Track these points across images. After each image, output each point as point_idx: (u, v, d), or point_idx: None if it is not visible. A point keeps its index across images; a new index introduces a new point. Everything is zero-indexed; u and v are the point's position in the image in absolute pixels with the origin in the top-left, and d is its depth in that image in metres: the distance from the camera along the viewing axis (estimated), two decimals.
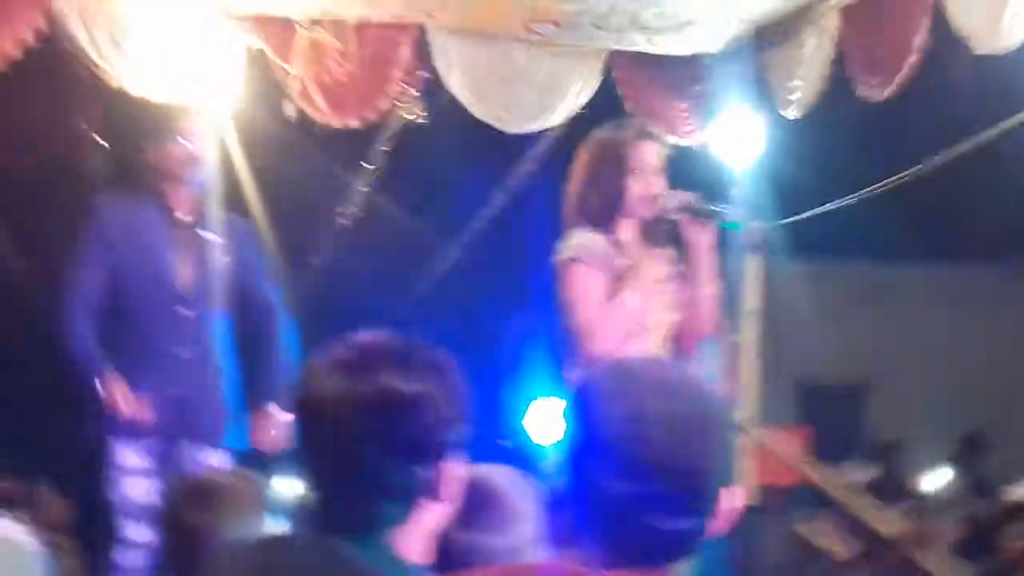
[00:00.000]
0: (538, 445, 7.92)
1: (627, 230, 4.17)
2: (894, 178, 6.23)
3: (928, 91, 5.36)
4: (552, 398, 7.88)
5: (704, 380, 1.75)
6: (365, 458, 1.82)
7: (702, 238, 4.01)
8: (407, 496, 1.85)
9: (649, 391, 1.64)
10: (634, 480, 1.58)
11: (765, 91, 6.01)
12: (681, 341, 4.07)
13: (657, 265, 4.11)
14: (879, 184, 6.19)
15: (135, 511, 4.56)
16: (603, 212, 4.09)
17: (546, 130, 6.31)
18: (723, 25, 5.91)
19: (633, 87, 6.16)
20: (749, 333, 6.45)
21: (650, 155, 4.14)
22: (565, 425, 1.71)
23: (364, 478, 1.83)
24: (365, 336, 1.91)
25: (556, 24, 5.83)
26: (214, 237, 4.92)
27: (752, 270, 6.37)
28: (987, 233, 8.87)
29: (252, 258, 5.11)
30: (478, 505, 2.16)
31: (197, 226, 4.92)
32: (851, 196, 6.29)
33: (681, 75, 6.19)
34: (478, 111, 5.95)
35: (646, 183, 4.06)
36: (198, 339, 4.81)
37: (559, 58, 6.07)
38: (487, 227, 7.61)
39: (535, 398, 8.32)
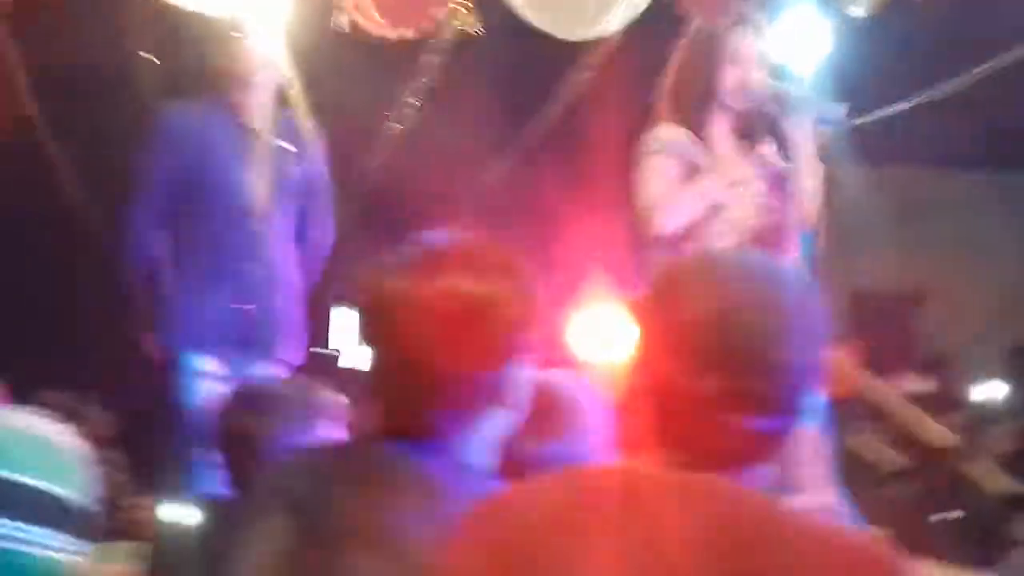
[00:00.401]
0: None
1: (721, 125, 3.93)
2: (956, 80, 6.08)
3: None
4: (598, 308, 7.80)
5: (794, 269, 1.66)
6: (430, 361, 1.76)
7: (798, 131, 3.78)
8: (472, 401, 1.79)
9: (737, 278, 1.54)
10: (718, 375, 1.49)
11: None
12: (768, 242, 3.82)
13: (744, 164, 3.89)
14: (941, 87, 6.05)
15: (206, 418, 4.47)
16: (695, 105, 3.88)
17: (603, 38, 6.17)
18: None
19: None
20: None
21: (746, 43, 3.91)
22: (642, 324, 1.62)
23: (428, 382, 1.77)
24: (433, 236, 1.85)
25: None
26: (286, 145, 4.78)
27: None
28: None
29: (320, 169, 4.93)
30: (544, 412, 2.10)
31: (268, 134, 4.76)
32: (912, 99, 6.15)
33: None
34: (537, 18, 5.82)
35: (741, 73, 3.82)
36: (268, 254, 4.68)
37: None
38: (542, 140, 7.51)
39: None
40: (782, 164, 3.92)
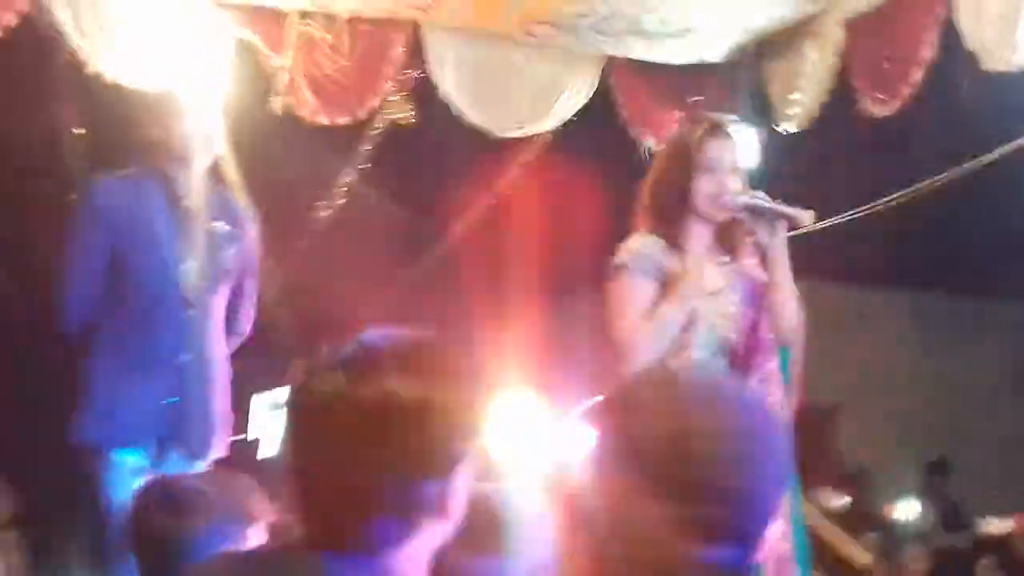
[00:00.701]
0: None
1: (700, 235, 3.75)
2: (882, 200, 6.13)
3: (934, 108, 5.25)
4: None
5: (756, 393, 1.58)
6: (362, 469, 1.65)
7: (772, 240, 3.63)
8: (408, 513, 1.67)
9: (695, 400, 1.46)
10: (674, 501, 1.40)
11: (765, 103, 5.90)
12: (742, 357, 3.69)
13: (721, 275, 3.72)
14: (867, 206, 6.10)
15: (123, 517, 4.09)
16: (671, 213, 3.72)
17: (537, 135, 6.18)
18: (724, 35, 5.80)
19: (630, 94, 6.04)
20: None
21: (723, 152, 3.74)
22: (595, 438, 1.53)
23: (361, 491, 1.65)
24: (371, 335, 1.74)
25: (554, 26, 5.70)
26: (223, 227, 4.46)
27: None
28: (968, 262, 8.78)
29: (253, 251, 4.63)
30: (481, 525, 1.98)
31: (204, 215, 4.42)
32: (839, 216, 6.19)
33: (679, 84, 6.08)
34: (470, 113, 5.81)
35: (716, 182, 3.67)
36: (201, 344, 4.36)
37: (556, 61, 5.94)
38: (471, 231, 7.48)
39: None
40: (762, 277, 3.74)
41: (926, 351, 11.49)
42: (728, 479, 1.41)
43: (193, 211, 4.38)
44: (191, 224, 4.37)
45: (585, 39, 5.81)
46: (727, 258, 3.76)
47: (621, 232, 7.75)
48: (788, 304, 3.67)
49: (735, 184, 3.67)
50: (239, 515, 2.57)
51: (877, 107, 5.23)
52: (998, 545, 7.94)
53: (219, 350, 4.46)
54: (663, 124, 6.10)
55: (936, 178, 5.66)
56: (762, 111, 5.92)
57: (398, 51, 5.67)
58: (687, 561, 1.42)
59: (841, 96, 5.47)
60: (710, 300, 3.65)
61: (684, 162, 3.72)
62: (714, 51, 5.95)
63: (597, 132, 6.32)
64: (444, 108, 5.83)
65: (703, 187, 3.67)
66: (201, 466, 4.36)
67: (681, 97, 6.08)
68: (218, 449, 4.44)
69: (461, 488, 1.72)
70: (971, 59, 4.77)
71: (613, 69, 6.01)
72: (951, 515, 9.29)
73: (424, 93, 5.86)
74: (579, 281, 8.95)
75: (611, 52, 5.93)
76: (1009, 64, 4.60)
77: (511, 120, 5.94)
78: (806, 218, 3.59)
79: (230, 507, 2.60)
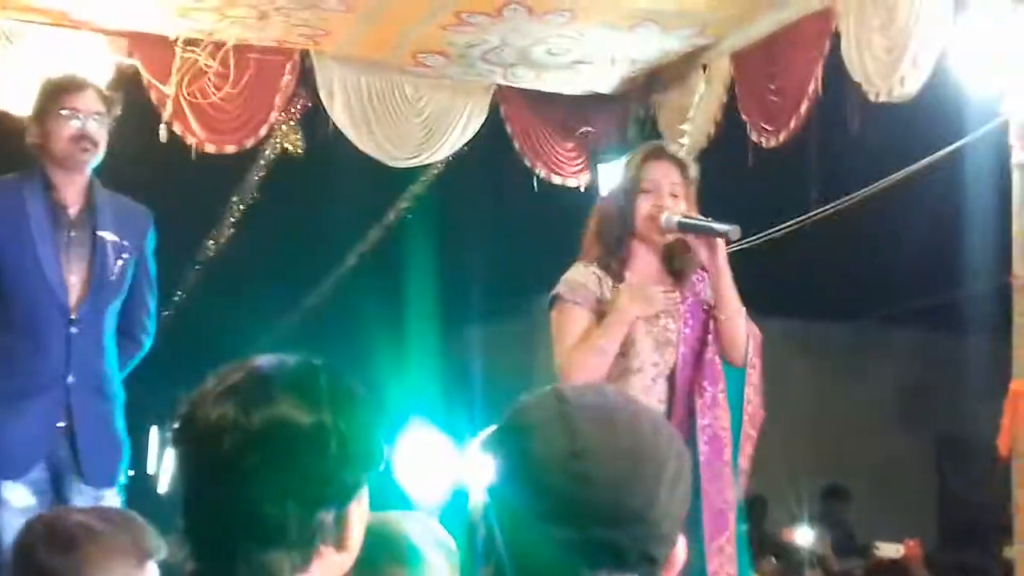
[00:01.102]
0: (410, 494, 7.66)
1: (645, 260, 3.65)
2: (771, 230, 6.20)
3: (821, 138, 5.32)
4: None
5: (653, 411, 1.53)
6: (255, 498, 1.59)
7: (711, 258, 3.54)
8: (304, 543, 1.62)
9: (589, 421, 1.42)
10: (570, 526, 1.37)
11: (655, 134, 5.93)
12: (684, 382, 3.62)
13: (655, 300, 3.59)
14: (756, 236, 6.16)
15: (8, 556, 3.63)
16: (614, 238, 3.64)
17: (430, 165, 6.16)
18: (614, 66, 5.83)
19: (521, 123, 6.06)
20: None
21: (662, 174, 3.65)
22: (490, 463, 1.49)
23: (253, 521, 1.59)
24: (261, 359, 1.68)
25: (445, 56, 5.69)
26: (110, 236, 4.02)
27: None
28: (855, 288, 8.93)
29: (147, 260, 4.18)
30: (384, 556, 1.93)
31: (90, 223, 4.00)
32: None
33: (570, 114, 6.11)
34: (361, 142, 5.78)
35: (654, 203, 3.60)
36: (86, 361, 3.99)
37: (447, 91, 5.93)
38: (363, 262, 7.43)
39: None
40: (707, 297, 3.65)
41: (815, 377, 11.66)
42: (625, 500, 1.37)
43: (77, 219, 4.01)
44: (75, 233, 4.00)
45: (476, 69, 5.81)
46: (673, 282, 3.68)
47: (516, 260, 7.74)
48: (733, 325, 3.61)
49: (675, 206, 3.60)
50: (129, 551, 2.47)
51: (764, 138, 5.29)
52: (890, 570, 8.03)
53: (110, 370, 4.10)
54: (554, 154, 6.12)
55: (823, 208, 5.74)
56: (652, 141, 5.96)
57: (287, 79, 5.62)
58: None
59: (729, 127, 5.52)
60: (648, 325, 3.58)
61: (626, 185, 3.67)
62: (604, 82, 5.98)
63: (490, 161, 6.31)
64: (335, 137, 5.79)
65: (642, 208, 3.61)
66: (106, 495, 4.06)
67: (572, 127, 6.11)
68: (112, 478, 4.02)
69: (358, 518, 1.67)
70: (856, 91, 4.84)
71: (504, 99, 6.01)
72: (846, 540, 9.40)
73: (314, 123, 5.81)
74: (476, 310, 8.96)
75: (501, 82, 5.94)
76: (895, 95, 4.67)
77: (404, 150, 5.91)
78: (733, 232, 3.48)
79: (119, 543, 2.51)
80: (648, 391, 3.53)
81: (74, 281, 3.97)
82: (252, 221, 6.75)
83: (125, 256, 4.05)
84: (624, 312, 3.54)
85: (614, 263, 3.64)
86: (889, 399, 11.29)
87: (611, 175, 6.09)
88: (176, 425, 1.65)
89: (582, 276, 3.65)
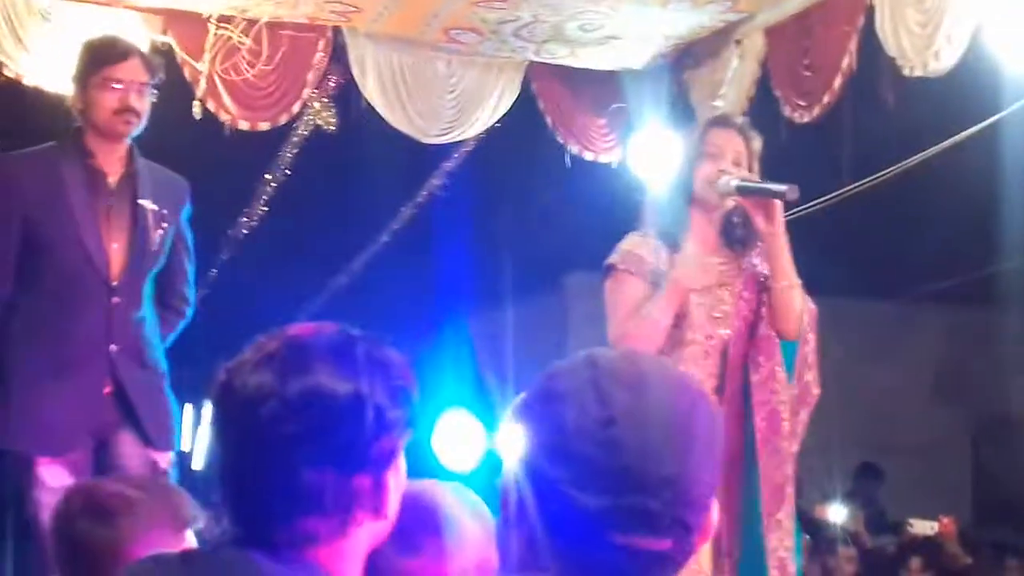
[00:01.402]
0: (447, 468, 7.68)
1: (702, 229, 3.51)
2: (805, 206, 6.16)
3: (855, 114, 5.29)
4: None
5: (686, 376, 1.52)
6: (293, 466, 1.61)
7: (767, 225, 3.40)
8: (341, 510, 1.63)
9: (622, 387, 1.41)
10: (601, 493, 1.36)
11: (687, 110, 5.91)
12: (736, 355, 3.49)
13: (712, 270, 3.48)
14: (790, 212, 6.11)
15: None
16: (672, 205, 3.54)
17: (462, 141, 6.17)
18: (646, 42, 5.81)
19: (553, 100, 6.05)
20: None
21: (726, 141, 3.52)
22: (521, 430, 1.49)
23: (291, 488, 1.61)
24: (298, 327, 1.70)
25: (478, 33, 5.69)
26: (150, 205, 3.94)
27: None
28: (893, 266, 8.87)
29: (185, 230, 4.12)
30: (416, 523, 1.94)
31: (130, 192, 3.92)
32: None
33: (602, 90, 6.10)
34: (393, 119, 5.78)
35: (715, 168, 3.46)
36: (129, 331, 3.89)
37: (479, 68, 5.93)
38: (397, 239, 7.44)
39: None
40: (764, 271, 3.53)
41: (848, 355, 11.61)
42: (657, 467, 1.37)
43: (116, 187, 3.93)
44: (114, 201, 3.92)
45: (508, 45, 5.80)
46: (731, 253, 3.57)
47: (548, 237, 7.72)
48: (789, 295, 3.47)
49: (736, 170, 3.47)
50: (166, 520, 2.49)
51: (798, 113, 5.26)
52: (924, 546, 8.02)
53: (153, 340, 4.00)
54: (587, 130, 6.11)
55: (857, 184, 5.70)
56: (684, 118, 5.94)
57: (319, 56, 5.63)
58: (621, 555, 1.38)
59: (762, 103, 5.49)
60: (702, 297, 3.47)
61: (688, 152, 3.58)
62: (636, 58, 5.96)
63: (522, 138, 6.31)
64: (368, 114, 5.80)
65: (701, 172, 3.50)
66: (161, 459, 3.93)
67: (604, 103, 6.09)
68: (163, 444, 3.92)
69: (395, 485, 1.68)
70: (891, 66, 4.81)
71: (536, 75, 6.01)
72: (878, 518, 9.39)
73: (347, 100, 5.82)
74: (509, 287, 8.96)
75: (534, 58, 5.93)
76: (930, 70, 4.64)
77: (435, 126, 5.92)
78: (791, 192, 3.37)
79: (156, 512, 2.53)
80: (700, 364, 3.44)
81: (115, 249, 3.89)
82: (285, 198, 6.76)
83: (165, 225, 3.97)
84: (678, 283, 3.42)
85: (671, 232, 3.52)
86: (925, 376, 11.22)
87: (647, 149, 6.10)
88: (214, 393, 1.68)
89: (637, 246, 3.54)
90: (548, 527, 1.41)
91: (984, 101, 4.95)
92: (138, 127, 3.91)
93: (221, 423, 1.67)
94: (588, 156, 6.16)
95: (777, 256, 3.46)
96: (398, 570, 1.85)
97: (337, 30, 5.67)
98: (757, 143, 3.59)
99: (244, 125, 5.57)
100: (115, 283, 3.86)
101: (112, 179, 3.92)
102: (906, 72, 4.73)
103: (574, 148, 6.10)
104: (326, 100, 5.80)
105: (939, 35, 4.56)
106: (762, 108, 5.53)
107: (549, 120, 6.09)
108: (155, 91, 3.92)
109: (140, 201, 3.91)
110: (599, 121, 6.17)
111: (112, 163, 3.92)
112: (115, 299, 3.86)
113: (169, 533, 2.42)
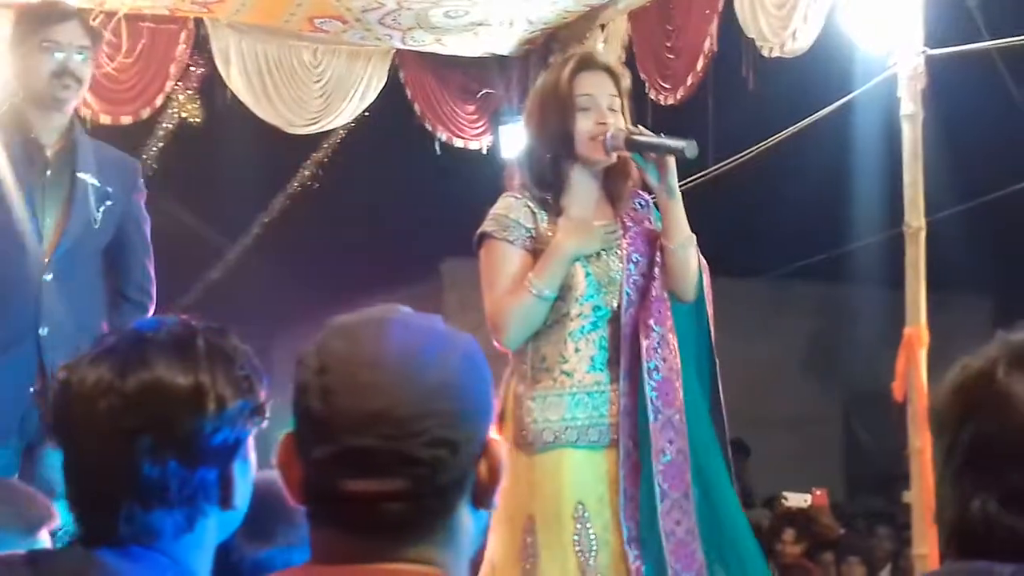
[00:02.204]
0: None
1: (585, 189, 3.18)
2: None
3: (718, 95, 5.38)
4: None
5: (419, 317, 1.48)
6: (134, 460, 1.59)
7: (663, 181, 3.10)
8: (186, 503, 1.62)
9: (339, 337, 1.40)
10: (323, 442, 1.35)
11: None
12: (630, 321, 3.16)
13: (593, 235, 3.17)
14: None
15: None
16: (550, 166, 3.15)
17: (331, 131, 6.13)
18: (512, 28, 5.83)
19: (421, 87, 6.04)
20: None
21: (600, 86, 3.18)
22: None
23: (134, 483, 1.60)
24: (142, 321, 1.68)
25: (342, 21, 5.66)
26: (91, 179, 3.67)
27: None
28: (760, 244, 9.04)
29: (139, 215, 3.80)
30: (270, 514, 1.93)
31: (69, 165, 3.66)
32: None
33: (470, 76, 6.11)
34: (259, 110, 5.73)
35: (594, 120, 3.12)
36: (62, 312, 3.61)
37: (345, 56, 5.90)
38: (267, 229, 7.38)
39: None
40: (653, 225, 3.23)
41: (721, 334, 11.80)
42: (368, 405, 1.35)
43: (54, 160, 3.68)
44: (51, 174, 3.66)
45: (373, 33, 5.78)
46: (613, 213, 3.24)
47: (420, 224, 7.71)
48: (684, 255, 3.18)
49: (616, 122, 3.14)
50: (12, 523, 2.45)
51: (663, 96, 5.34)
52: (797, 518, 8.19)
53: (94, 326, 3.63)
54: (455, 117, 6.12)
55: (722, 164, 5.80)
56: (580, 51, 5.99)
57: (181, 48, 5.56)
58: (359, 504, 1.36)
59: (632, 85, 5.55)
60: (587, 265, 3.17)
61: (557, 103, 3.16)
62: (503, 44, 5.99)
63: (391, 126, 6.30)
64: (234, 105, 5.74)
65: (582, 128, 3.13)
66: None
67: (472, 90, 6.11)
68: None
69: (243, 476, 1.67)
70: (751, 47, 4.91)
71: (404, 63, 6.00)
72: (745, 494, 9.57)
73: (212, 91, 5.76)
74: (381, 276, 8.94)
75: (400, 46, 5.92)
76: (788, 51, 4.74)
77: (303, 116, 5.88)
78: (690, 148, 3.06)
79: (7, 513, 2.48)
80: (589, 337, 3.16)
81: (49, 224, 3.65)
82: (151, 192, 6.65)
83: (109, 203, 3.70)
84: (562, 250, 3.13)
85: (549, 194, 3.20)
86: (795, 353, 11.47)
87: (516, 134, 6.13)
88: (54, 390, 1.65)
89: (513, 210, 3.19)
90: (295, 489, 1.42)
91: (840, 80, 5.08)
92: (77, 94, 3.67)
93: (62, 418, 1.64)
94: (458, 143, 6.18)
95: (672, 212, 3.17)
96: (250, 561, 1.85)
97: (199, 21, 5.60)
98: (627, 80, 3.27)
99: (106, 120, 5.47)
100: (47, 259, 3.61)
101: (50, 151, 3.67)
102: (765, 53, 4.83)
103: (443, 135, 6.11)
104: (190, 92, 5.73)
105: (795, 16, 4.66)
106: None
107: (418, 108, 6.08)
108: (94, 58, 3.69)
109: (79, 174, 3.65)
110: (468, 107, 6.19)
111: (50, 134, 3.67)
112: (48, 276, 3.60)
113: (17, 536, 2.37)
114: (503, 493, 2.98)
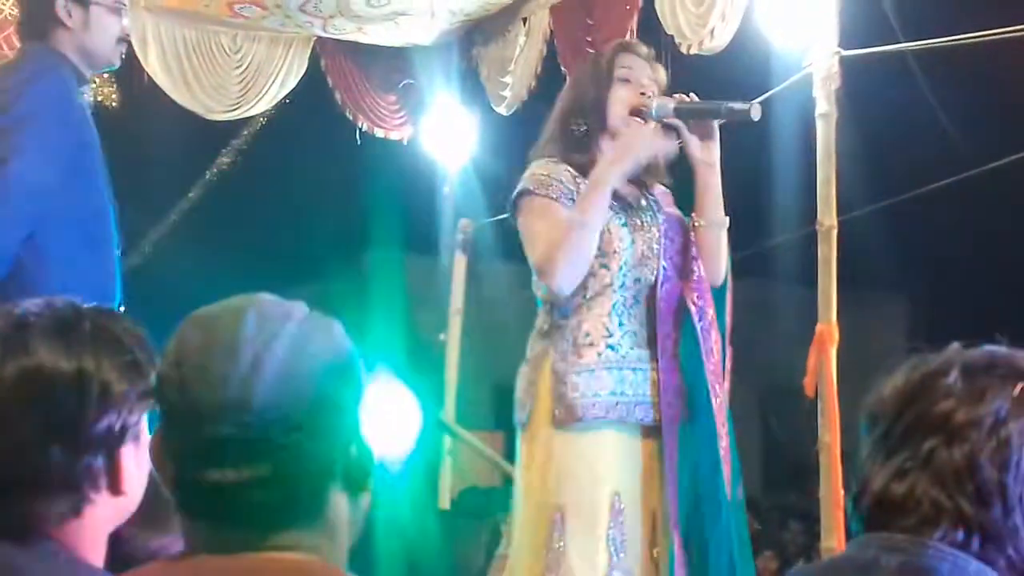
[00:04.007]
0: None
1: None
2: None
3: None
4: None
5: (285, 305, 1.47)
6: (17, 448, 1.57)
7: (706, 153, 3.07)
8: (71, 490, 1.59)
9: (196, 328, 1.39)
10: (185, 435, 1.35)
11: (477, 86, 5.96)
12: (670, 300, 3.07)
13: (635, 207, 3.10)
14: None
15: None
16: (584, 136, 3.07)
17: (251, 118, 6.09)
18: (434, 18, 5.81)
19: (342, 76, 6.01)
20: (454, 332, 6.38)
21: (638, 66, 3.15)
22: None
23: (17, 471, 1.57)
24: (28, 304, 1.65)
25: (261, 7, 5.61)
26: None
27: (459, 269, 6.30)
28: None
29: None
30: (166, 502, 1.91)
31: None
32: None
33: (391, 66, 6.09)
34: (177, 95, 5.67)
35: (631, 93, 3.08)
36: None
37: (265, 43, 5.86)
38: (185, 216, 7.30)
39: None
40: (676, 211, 3.18)
41: None
42: (220, 394, 1.35)
43: None
44: None
45: (294, 20, 5.74)
46: (643, 186, 3.18)
47: (341, 214, 7.66)
48: (719, 235, 3.14)
49: (653, 99, 3.09)
50: None
51: None
52: None
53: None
54: (376, 107, 6.10)
55: None
56: (474, 94, 5.99)
57: None
58: (226, 493, 1.36)
59: (549, 80, 5.57)
60: (634, 232, 3.07)
61: (597, 77, 3.13)
62: (425, 34, 5.97)
63: (311, 114, 6.26)
64: (151, 90, 5.67)
65: (620, 99, 3.10)
66: None
67: (394, 80, 6.09)
68: None
69: (135, 462, 1.65)
70: (670, 43, 4.93)
71: (325, 51, 5.97)
72: None
73: (129, 75, 5.68)
74: (302, 267, 8.88)
75: (321, 33, 5.88)
76: (706, 48, 4.78)
77: (222, 102, 5.83)
78: (755, 111, 3.01)
79: None
80: (631, 311, 3.07)
81: None
82: None
83: None
84: (603, 177, 2.99)
85: (580, 162, 3.10)
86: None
87: (438, 125, 6.12)
88: None
89: (553, 170, 3.09)
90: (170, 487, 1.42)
91: (756, 78, 5.11)
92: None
93: None
94: (379, 133, 6.16)
95: (712, 188, 3.12)
96: (146, 549, 1.83)
97: None
98: (662, 74, 3.23)
99: None
100: None
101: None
102: (684, 50, 4.85)
103: (364, 124, 6.09)
104: (107, 76, 5.64)
105: (714, 14, 4.69)
106: (550, 85, 5.60)
107: (339, 96, 6.06)
108: None
109: None
110: (389, 97, 6.17)
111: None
112: None
113: None
114: (530, 478, 2.92)
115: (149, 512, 1.78)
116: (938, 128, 6.43)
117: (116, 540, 1.72)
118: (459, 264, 6.26)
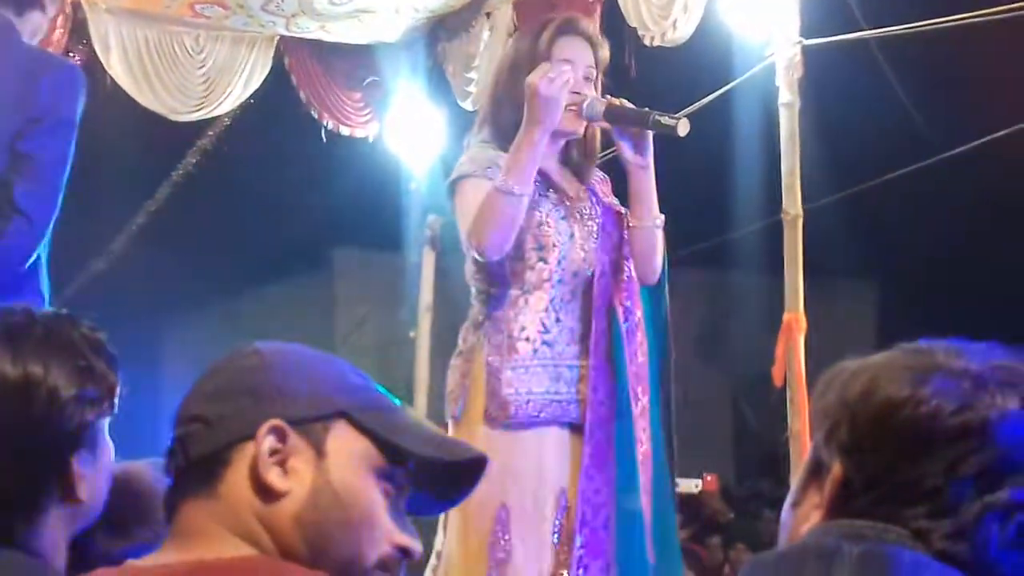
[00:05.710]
0: None
1: (546, 155, 2.99)
2: None
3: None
4: None
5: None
6: None
7: (638, 156, 2.96)
8: (20, 498, 1.58)
9: None
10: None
11: (442, 82, 5.95)
12: (601, 296, 3.01)
13: (570, 199, 3.04)
14: None
15: None
16: (515, 126, 2.93)
17: (216, 118, 6.06)
18: (398, 15, 5.80)
19: (306, 75, 6.00)
20: (424, 328, 6.38)
21: (579, 54, 3.01)
22: None
23: None
24: None
25: (223, 7, 5.59)
26: None
27: (428, 265, 6.31)
28: None
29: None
30: (129, 508, 1.89)
31: None
32: None
33: (356, 64, 6.07)
34: (141, 96, 5.65)
35: (572, 89, 2.94)
36: None
37: (229, 43, 5.83)
38: (152, 218, 7.27)
39: None
40: (616, 204, 3.10)
41: None
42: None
43: None
44: None
45: (257, 20, 5.72)
46: (580, 178, 3.10)
47: (307, 212, 7.65)
48: (653, 235, 3.06)
49: (589, 92, 2.99)
50: None
51: None
52: (687, 504, 8.29)
53: None
54: (341, 104, 6.09)
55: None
56: (440, 90, 5.98)
57: (59, 33, 5.44)
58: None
59: None
60: (572, 225, 3.02)
61: (533, 65, 2.95)
62: (389, 31, 5.95)
63: (276, 113, 6.25)
64: (114, 92, 5.64)
65: None
66: None
67: (358, 77, 6.08)
68: None
69: (90, 468, 1.64)
70: (633, 36, 4.94)
71: (288, 50, 5.95)
72: None
73: (91, 77, 5.64)
74: (268, 265, 8.87)
75: (284, 32, 5.86)
76: (668, 40, 4.79)
77: (185, 103, 5.80)
78: (683, 126, 2.89)
79: None
80: (567, 307, 3.03)
81: None
82: None
83: None
84: (526, 133, 2.86)
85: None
86: (682, 339, 11.58)
87: (404, 122, 6.12)
88: None
89: (489, 155, 3.02)
90: None
91: (720, 68, 5.14)
92: None
93: None
94: (344, 130, 6.14)
95: (645, 190, 3.02)
96: (110, 557, 1.81)
97: (77, 5, 5.49)
98: (606, 51, 3.11)
99: None
100: None
101: None
102: (647, 42, 4.86)
103: (329, 123, 6.07)
104: None
105: (676, 5, 4.70)
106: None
107: (303, 95, 6.04)
108: None
109: None
110: (354, 95, 6.15)
111: None
112: None
113: None
114: None
115: (111, 518, 1.77)
116: (901, 115, 6.47)
117: (80, 546, 1.71)
118: (428, 260, 6.27)
